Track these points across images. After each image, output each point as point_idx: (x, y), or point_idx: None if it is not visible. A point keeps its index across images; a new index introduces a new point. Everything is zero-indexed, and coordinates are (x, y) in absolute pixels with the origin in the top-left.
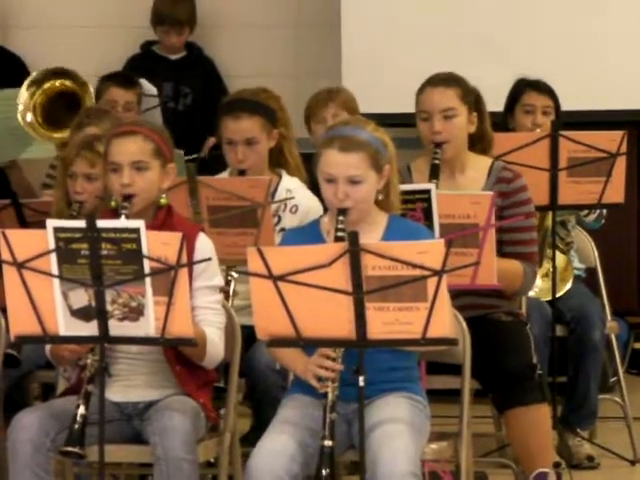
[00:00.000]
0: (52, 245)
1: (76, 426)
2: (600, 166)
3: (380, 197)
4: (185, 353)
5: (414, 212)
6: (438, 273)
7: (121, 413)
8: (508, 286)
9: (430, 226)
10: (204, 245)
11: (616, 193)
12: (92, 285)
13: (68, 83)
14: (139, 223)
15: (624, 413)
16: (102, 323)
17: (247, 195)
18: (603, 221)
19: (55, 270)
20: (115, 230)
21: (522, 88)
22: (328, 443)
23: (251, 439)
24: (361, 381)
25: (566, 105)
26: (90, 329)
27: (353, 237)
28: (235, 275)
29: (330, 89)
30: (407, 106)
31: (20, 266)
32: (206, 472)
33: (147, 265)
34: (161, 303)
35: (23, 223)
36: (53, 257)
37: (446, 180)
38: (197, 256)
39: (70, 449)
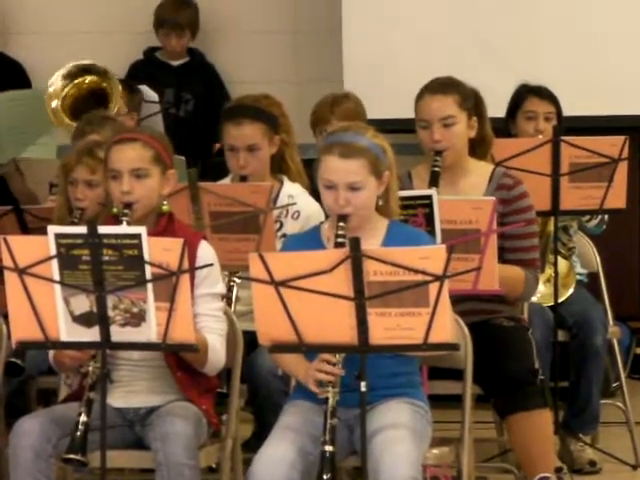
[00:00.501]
0: (53, 251)
1: (78, 433)
2: (602, 171)
3: (380, 203)
4: (186, 359)
5: (416, 218)
6: (440, 278)
7: (123, 419)
8: (510, 292)
9: (432, 232)
10: (206, 253)
11: (618, 198)
12: (94, 291)
13: (97, 80)
14: (140, 229)
15: (626, 418)
16: (104, 329)
17: (249, 201)
18: (604, 226)
19: (56, 276)
20: (116, 236)
21: (524, 94)
22: (329, 448)
23: (253, 445)
24: (363, 387)
25: (568, 111)
26: (92, 335)
27: (355, 243)
28: (237, 281)
29: (335, 98)
30: (408, 112)
31: (21, 272)
32: (207, 478)
33: (149, 271)
34: (162, 309)
35: (24, 229)
36: (54, 263)
37: (447, 186)
38: (199, 264)
39: (72, 456)
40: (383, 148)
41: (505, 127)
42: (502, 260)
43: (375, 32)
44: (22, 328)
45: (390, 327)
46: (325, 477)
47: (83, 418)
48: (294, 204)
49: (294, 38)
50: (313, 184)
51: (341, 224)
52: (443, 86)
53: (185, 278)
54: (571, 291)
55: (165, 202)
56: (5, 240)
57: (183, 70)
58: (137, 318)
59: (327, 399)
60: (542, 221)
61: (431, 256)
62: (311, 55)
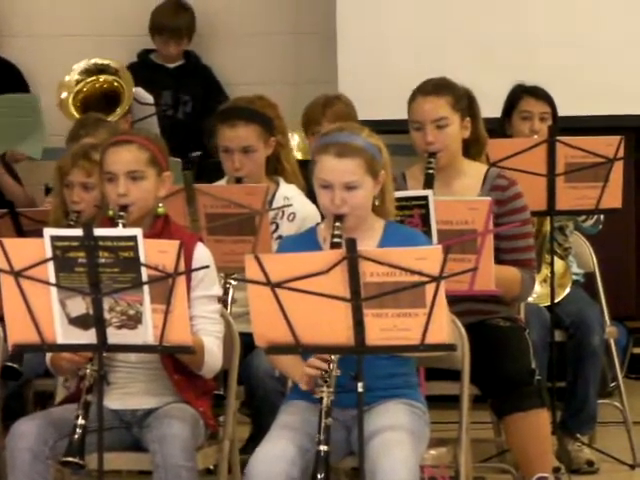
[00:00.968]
0: (49, 254)
1: (76, 436)
2: (597, 171)
3: (377, 203)
4: (183, 362)
5: (412, 218)
6: (436, 279)
7: (120, 421)
8: (506, 293)
9: (428, 232)
10: (202, 255)
11: (613, 198)
12: (90, 293)
13: (112, 80)
14: (136, 231)
15: (623, 418)
16: (100, 331)
17: (244, 203)
18: (600, 226)
19: (52, 278)
20: (112, 238)
21: (519, 94)
22: (323, 448)
23: (249, 449)
24: (360, 387)
25: (563, 111)
26: (88, 337)
27: (351, 244)
28: (233, 282)
29: (326, 100)
30: (403, 113)
31: (17, 275)
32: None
33: (145, 273)
34: (159, 311)
35: (20, 232)
36: (50, 265)
37: (441, 187)
38: (195, 266)
39: (70, 459)
40: (378, 148)
41: (500, 127)
42: (498, 261)
43: (370, 34)
44: (18, 331)
45: (387, 328)
46: (319, 476)
47: (80, 421)
48: (290, 205)
49: (290, 40)
50: (309, 185)
51: (337, 224)
52: (436, 87)
53: (181, 280)
54: (567, 291)
55: (161, 205)
56: (0, 243)
57: (180, 72)
58: (133, 320)
59: (322, 399)
60: (538, 221)
61: (427, 257)
62: (307, 57)
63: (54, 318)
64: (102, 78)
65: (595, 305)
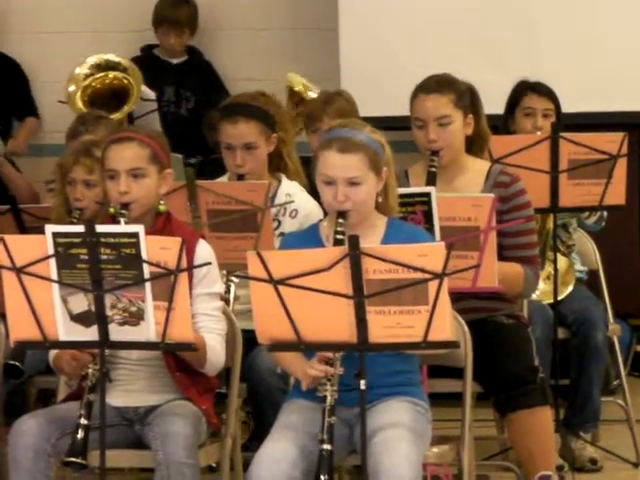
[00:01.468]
0: (51, 250)
1: (78, 436)
2: (601, 168)
3: (380, 199)
4: (186, 359)
5: (414, 215)
6: (439, 276)
7: (122, 418)
8: (510, 289)
9: (431, 229)
10: (204, 252)
11: (617, 195)
12: (92, 290)
13: (121, 76)
14: (138, 228)
15: (627, 415)
16: (102, 328)
17: (246, 199)
18: (603, 223)
19: (54, 275)
20: (114, 235)
21: (522, 91)
22: (327, 447)
23: (252, 446)
24: (362, 385)
25: (566, 107)
26: (90, 334)
27: (354, 241)
28: (235, 280)
29: (327, 96)
30: (405, 110)
31: (19, 271)
32: (207, 477)
33: (147, 270)
34: (161, 308)
35: (22, 229)
36: (52, 262)
37: (444, 184)
38: (197, 262)
39: (73, 459)
40: (381, 144)
41: (504, 124)
42: (501, 257)
43: (371, 30)
44: (20, 328)
45: (389, 325)
46: (323, 477)
47: (83, 421)
48: (292, 202)
49: (291, 36)
50: (311, 182)
51: (340, 221)
52: (438, 85)
53: (183, 277)
54: (571, 288)
55: (162, 202)
56: (2, 239)
57: (183, 68)
58: (135, 317)
59: (325, 397)
60: (541, 218)
61: (430, 254)
62: (309, 53)
63: (56, 315)
64: (111, 74)
65: (599, 302)
